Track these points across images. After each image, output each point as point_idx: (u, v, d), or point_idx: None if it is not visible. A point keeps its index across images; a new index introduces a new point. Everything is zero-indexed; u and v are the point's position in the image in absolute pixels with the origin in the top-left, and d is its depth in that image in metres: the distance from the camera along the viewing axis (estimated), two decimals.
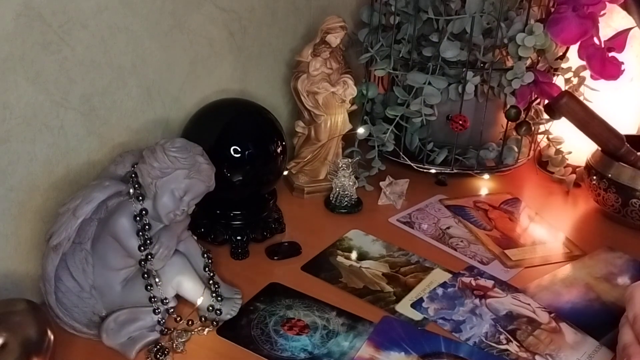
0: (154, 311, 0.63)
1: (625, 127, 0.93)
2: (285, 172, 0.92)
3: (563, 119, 0.90)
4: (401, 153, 0.96)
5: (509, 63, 0.92)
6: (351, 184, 0.89)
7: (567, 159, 0.99)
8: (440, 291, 0.73)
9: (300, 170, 0.93)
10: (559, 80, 0.95)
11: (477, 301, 0.72)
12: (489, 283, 0.75)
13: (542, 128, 1.00)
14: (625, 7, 0.95)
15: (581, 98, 0.92)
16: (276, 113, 0.83)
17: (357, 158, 0.94)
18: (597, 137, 0.89)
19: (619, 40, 0.89)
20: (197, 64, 0.82)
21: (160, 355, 0.61)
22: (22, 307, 0.56)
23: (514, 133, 0.97)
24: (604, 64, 0.88)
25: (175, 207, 0.62)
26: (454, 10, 0.90)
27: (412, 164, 0.96)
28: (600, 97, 0.93)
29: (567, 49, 0.94)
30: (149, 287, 0.63)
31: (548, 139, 1.00)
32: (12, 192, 0.64)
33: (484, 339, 0.66)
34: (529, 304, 0.71)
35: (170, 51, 0.77)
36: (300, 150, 0.93)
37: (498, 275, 0.77)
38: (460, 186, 0.98)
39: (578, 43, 0.89)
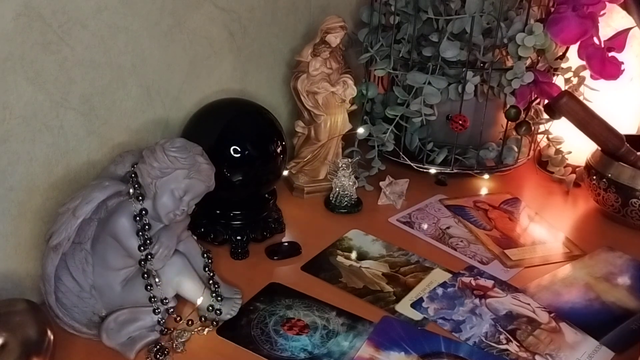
0: (154, 311, 0.63)
1: (625, 127, 0.93)
2: (285, 172, 0.92)
3: (563, 119, 0.90)
4: (401, 153, 0.96)
5: (509, 63, 0.93)
6: (351, 184, 0.89)
7: (567, 159, 0.99)
8: (440, 291, 0.73)
9: (300, 170, 0.93)
10: (559, 80, 0.95)
11: (477, 301, 0.72)
12: (489, 283, 0.75)
13: (542, 128, 1.00)
14: (625, 7, 0.95)
15: (581, 98, 0.92)
16: (276, 113, 0.84)
17: (357, 158, 0.94)
18: (597, 137, 0.89)
19: (619, 40, 0.89)
20: (197, 64, 0.82)
21: (160, 355, 0.61)
22: (22, 307, 0.57)
23: (514, 133, 0.97)
24: (604, 63, 0.88)
25: (175, 207, 0.62)
26: (454, 10, 0.90)
27: (412, 164, 0.96)
28: (600, 97, 0.93)
29: (567, 48, 0.94)
30: (149, 287, 0.63)
31: (548, 138, 1.00)
32: (12, 192, 0.64)
33: (483, 339, 0.66)
34: (528, 304, 0.71)
35: (170, 51, 0.77)
36: (300, 150, 0.93)
37: (498, 275, 0.77)
38: (460, 186, 0.98)
39: (578, 43, 0.89)
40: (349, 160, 0.90)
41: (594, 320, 0.69)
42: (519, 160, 1.00)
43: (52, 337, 0.56)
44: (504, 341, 0.66)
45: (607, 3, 0.88)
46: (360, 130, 0.94)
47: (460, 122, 0.91)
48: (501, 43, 0.90)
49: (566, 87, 0.95)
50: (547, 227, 0.89)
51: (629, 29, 0.90)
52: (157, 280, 0.63)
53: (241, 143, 0.75)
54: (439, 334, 0.66)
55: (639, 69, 0.97)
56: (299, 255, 0.79)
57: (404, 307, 0.70)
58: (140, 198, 0.62)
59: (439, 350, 0.64)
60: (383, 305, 0.70)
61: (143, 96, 0.76)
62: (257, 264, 0.77)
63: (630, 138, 0.90)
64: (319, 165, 0.93)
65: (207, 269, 0.68)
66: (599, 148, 0.91)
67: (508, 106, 0.93)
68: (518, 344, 0.65)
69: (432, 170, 0.97)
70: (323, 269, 0.76)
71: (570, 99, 0.88)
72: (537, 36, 0.86)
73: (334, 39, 0.85)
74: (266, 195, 0.82)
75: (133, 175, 0.63)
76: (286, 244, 0.81)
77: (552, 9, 0.89)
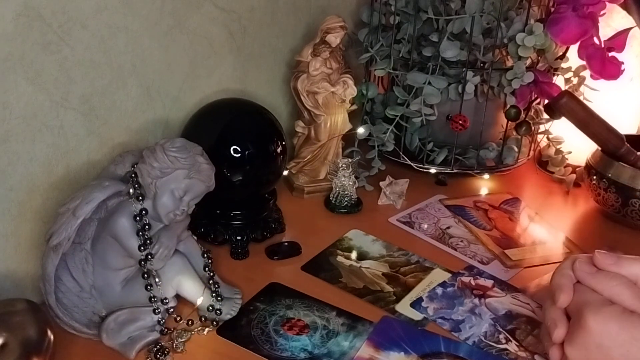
0: (154, 311, 0.63)
1: (625, 127, 0.93)
2: (285, 172, 0.92)
3: (563, 118, 0.90)
4: (401, 153, 0.96)
5: (509, 63, 0.93)
6: (351, 184, 0.89)
7: (567, 159, 0.99)
8: (439, 291, 0.73)
9: (300, 170, 0.93)
10: (559, 80, 0.95)
11: (476, 301, 0.72)
12: (489, 282, 0.75)
13: (542, 128, 1.00)
14: (625, 7, 0.95)
15: (581, 98, 0.92)
16: (276, 113, 0.84)
17: (357, 158, 0.94)
18: (597, 137, 0.89)
19: (619, 40, 0.89)
20: (197, 64, 0.82)
21: (160, 355, 0.61)
22: (22, 307, 0.56)
23: (514, 133, 0.97)
24: (604, 63, 0.88)
25: (175, 207, 0.62)
26: (454, 10, 0.90)
27: (412, 164, 0.96)
28: (600, 97, 0.93)
29: (567, 48, 0.94)
30: (149, 287, 0.63)
31: (548, 138, 1.00)
32: (12, 192, 0.64)
33: (483, 339, 0.66)
34: (528, 304, 0.72)
35: (170, 51, 0.77)
36: (300, 150, 0.93)
37: (498, 275, 0.77)
38: (460, 186, 0.98)
39: (578, 43, 0.89)
40: (349, 160, 0.90)
41: None
42: (519, 160, 1.00)
43: (52, 337, 0.56)
44: (504, 341, 0.66)
45: (607, 3, 0.88)
46: (360, 130, 0.94)
47: (460, 122, 0.91)
48: (501, 43, 0.90)
49: (566, 87, 0.95)
50: (547, 227, 0.89)
51: (629, 29, 0.90)
52: (157, 280, 0.63)
53: (241, 143, 0.75)
54: (438, 334, 0.66)
55: (639, 69, 0.97)
56: (299, 255, 0.79)
57: (403, 307, 0.70)
58: (140, 198, 0.62)
59: (439, 350, 0.64)
60: (383, 305, 0.70)
61: (143, 96, 0.76)
62: (257, 264, 0.77)
63: (630, 138, 0.90)
64: (319, 165, 0.93)
65: (207, 269, 0.68)
66: (599, 148, 0.90)
67: (508, 106, 0.93)
68: (517, 344, 0.65)
69: (432, 170, 0.97)
70: (323, 269, 0.76)
71: (570, 99, 0.87)
72: (537, 36, 0.86)
73: (334, 39, 0.85)
74: (266, 195, 0.82)
75: (133, 175, 0.63)
76: (286, 244, 0.81)
77: (552, 9, 0.89)
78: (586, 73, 0.93)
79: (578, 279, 0.59)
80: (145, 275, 0.63)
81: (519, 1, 0.93)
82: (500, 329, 0.67)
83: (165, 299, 0.64)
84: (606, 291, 0.56)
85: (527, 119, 0.96)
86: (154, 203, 0.62)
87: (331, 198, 0.90)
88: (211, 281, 0.67)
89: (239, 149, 0.75)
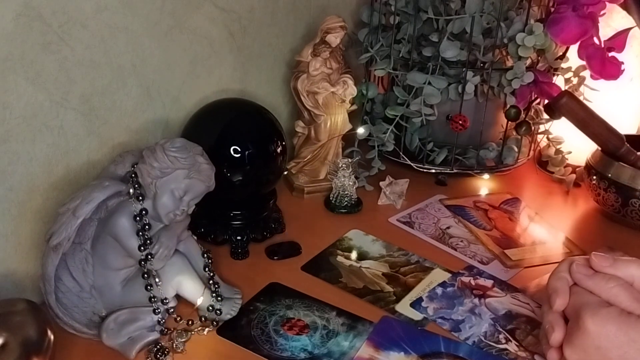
0: (154, 311, 0.63)
1: (625, 127, 0.93)
2: (285, 172, 0.92)
3: (563, 119, 0.90)
4: (401, 153, 0.96)
5: (509, 63, 0.93)
6: (351, 184, 0.89)
7: (567, 159, 0.99)
8: (439, 290, 0.73)
9: (300, 170, 0.93)
10: (559, 80, 0.95)
11: (476, 300, 0.72)
12: (488, 282, 0.75)
13: (542, 128, 1.00)
14: (625, 7, 0.95)
15: (581, 98, 0.92)
16: (276, 113, 0.84)
17: (357, 158, 0.94)
18: (597, 137, 0.89)
19: (619, 40, 0.89)
20: (197, 64, 0.82)
21: (160, 355, 0.61)
22: (22, 307, 0.56)
23: (514, 133, 0.97)
24: (604, 63, 0.88)
25: (175, 207, 0.62)
26: (454, 10, 0.90)
27: (412, 164, 0.96)
28: (600, 97, 0.93)
29: (567, 48, 0.94)
30: (149, 287, 0.63)
31: (548, 138, 1.00)
32: (12, 192, 0.64)
33: (483, 339, 0.66)
34: (528, 304, 0.72)
35: (170, 51, 0.77)
36: (300, 150, 0.93)
37: (498, 275, 0.77)
38: (460, 186, 0.98)
39: (578, 43, 0.89)
40: (349, 160, 0.90)
41: None
42: (519, 160, 1.00)
43: (52, 337, 0.56)
44: (503, 341, 0.66)
45: (607, 3, 0.88)
46: (360, 130, 0.94)
47: (460, 122, 0.91)
48: (501, 43, 0.90)
49: (566, 87, 0.95)
50: (547, 227, 0.89)
51: (629, 29, 0.90)
52: (157, 280, 0.63)
53: (241, 143, 0.75)
54: (438, 334, 0.66)
55: (639, 69, 0.97)
56: (299, 255, 0.79)
57: (404, 307, 0.70)
58: (140, 198, 0.62)
59: (439, 350, 0.64)
60: (383, 305, 0.70)
61: (143, 96, 0.76)
62: (257, 264, 0.77)
63: (630, 138, 0.90)
64: (319, 165, 0.93)
65: (207, 269, 0.68)
66: (599, 148, 0.90)
67: (508, 106, 0.93)
68: (517, 344, 0.65)
69: (432, 170, 0.97)
70: (323, 269, 0.76)
71: (570, 99, 0.87)
72: (537, 36, 0.86)
73: (334, 39, 0.85)
74: (266, 195, 0.82)
75: (133, 175, 0.63)
76: (286, 244, 0.81)
77: (552, 9, 0.89)
78: (586, 73, 0.93)
79: (575, 281, 0.59)
80: (145, 275, 0.63)
81: (519, 1, 0.93)
82: (500, 329, 0.67)
83: (165, 299, 0.64)
84: (603, 293, 0.56)
85: (527, 119, 0.96)
86: (154, 203, 0.62)
87: (331, 198, 0.90)
88: (211, 281, 0.67)
89: (239, 149, 0.75)
